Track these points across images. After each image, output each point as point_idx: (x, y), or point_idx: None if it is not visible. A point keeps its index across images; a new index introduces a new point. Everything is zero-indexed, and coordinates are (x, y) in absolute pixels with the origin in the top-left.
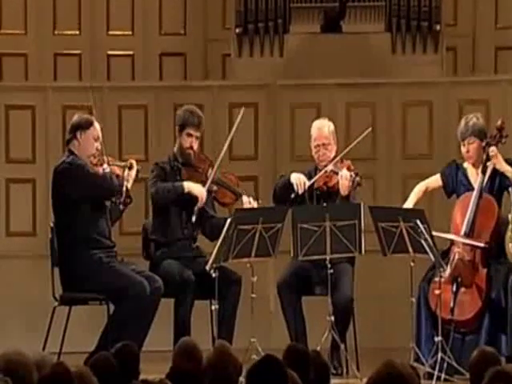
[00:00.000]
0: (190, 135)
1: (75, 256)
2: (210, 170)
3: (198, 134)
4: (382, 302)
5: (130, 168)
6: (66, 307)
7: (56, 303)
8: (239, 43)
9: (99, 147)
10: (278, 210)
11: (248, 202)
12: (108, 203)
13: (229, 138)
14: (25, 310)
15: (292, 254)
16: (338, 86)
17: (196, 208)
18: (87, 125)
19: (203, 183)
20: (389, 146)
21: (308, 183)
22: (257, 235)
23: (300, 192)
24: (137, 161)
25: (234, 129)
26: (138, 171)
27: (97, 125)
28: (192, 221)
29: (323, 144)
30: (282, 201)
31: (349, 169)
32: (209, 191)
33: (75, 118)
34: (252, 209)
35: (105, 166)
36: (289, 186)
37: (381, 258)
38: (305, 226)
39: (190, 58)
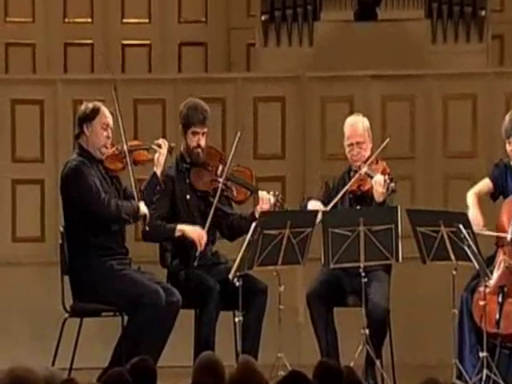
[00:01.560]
0: (195, 133)
1: (85, 263)
2: (220, 166)
3: (205, 130)
4: (422, 313)
5: (159, 147)
6: (77, 319)
7: (66, 315)
8: (265, 32)
9: (110, 135)
10: (307, 214)
11: (267, 198)
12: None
13: (229, 160)
14: (32, 322)
15: (322, 262)
16: (373, 78)
17: (197, 253)
18: (93, 114)
19: (214, 181)
20: (428, 143)
21: (324, 209)
22: (284, 241)
23: (356, 190)
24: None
25: (232, 152)
26: (171, 148)
27: (105, 111)
28: (194, 265)
29: (357, 143)
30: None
31: (383, 172)
32: (221, 189)
33: (81, 108)
34: (279, 212)
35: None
36: None
37: (420, 265)
38: (337, 230)
39: (211, 48)
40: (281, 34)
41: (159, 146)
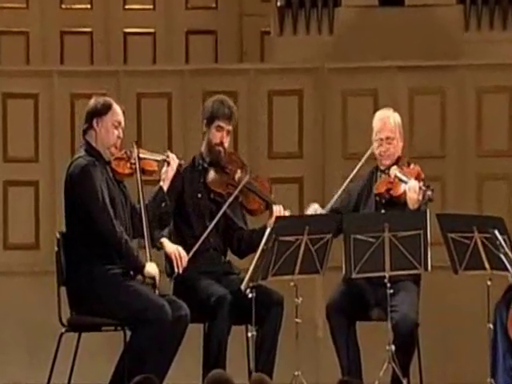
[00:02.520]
0: (220, 128)
1: (86, 271)
2: (239, 172)
3: (230, 128)
4: (453, 328)
5: (168, 163)
6: (76, 333)
7: (63, 329)
8: (281, 18)
9: (121, 135)
10: (327, 218)
11: (278, 211)
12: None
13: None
14: (27, 336)
15: (344, 271)
16: (399, 69)
17: (174, 273)
18: (105, 109)
19: (231, 185)
20: (460, 140)
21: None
22: (302, 248)
23: (384, 193)
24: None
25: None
26: (180, 166)
27: (117, 108)
28: (171, 281)
29: (387, 138)
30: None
31: (418, 177)
32: (236, 195)
33: (91, 102)
34: (296, 217)
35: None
36: None
37: (451, 275)
38: (359, 236)
39: (221, 37)
40: (298, 21)
41: (169, 160)
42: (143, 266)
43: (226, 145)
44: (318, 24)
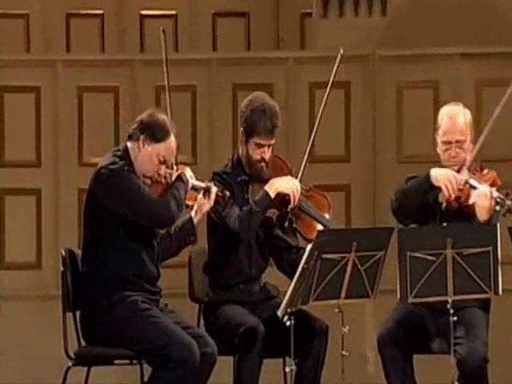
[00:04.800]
0: (260, 145)
1: (101, 295)
2: None
3: (272, 142)
4: None
5: (207, 192)
6: (84, 367)
7: (70, 362)
8: None
9: (162, 172)
10: (377, 232)
11: None
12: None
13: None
14: (28, 369)
15: (399, 295)
16: (464, 57)
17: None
18: (160, 135)
19: (280, 206)
20: None
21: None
22: (349, 268)
23: (453, 202)
24: (181, 164)
25: (300, 174)
26: (218, 196)
27: (172, 141)
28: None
29: (457, 141)
30: (414, 216)
31: (494, 184)
32: (288, 220)
33: (148, 115)
34: (342, 230)
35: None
36: (428, 190)
37: None
38: (417, 254)
39: (254, 20)
40: (345, 1)
41: (208, 190)
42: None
43: (268, 156)
44: (369, 4)
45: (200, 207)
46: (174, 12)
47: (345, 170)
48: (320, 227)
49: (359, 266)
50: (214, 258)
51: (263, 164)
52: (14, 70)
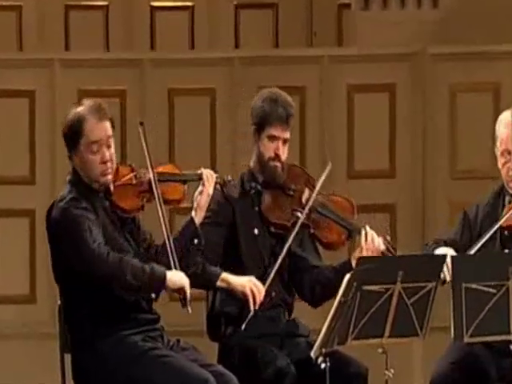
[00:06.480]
0: (273, 138)
1: (92, 341)
2: (306, 192)
3: (287, 136)
4: None
5: (202, 183)
6: None
7: None
8: None
9: (108, 156)
10: (428, 260)
11: (375, 243)
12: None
13: (318, 183)
14: None
15: (453, 334)
16: None
17: (249, 314)
18: (75, 133)
19: (296, 212)
20: None
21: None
22: (394, 301)
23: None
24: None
25: (321, 180)
26: (224, 182)
27: (90, 121)
28: (241, 330)
29: None
30: None
31: None
32: (302, 223)
33: (67, 117)
34: (386, 258)
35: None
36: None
37: None
38: (474, 286)
39: (283, 12)
40: None
41: (202, 178)
42: (163, 276)
43: (284, 157)
44: None
45: (199, 200)
46: (189, 3)
47: (389, 188)
48: (341, 230)
49: (406, 300)
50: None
51: (277, 164)
52: (4, 72)
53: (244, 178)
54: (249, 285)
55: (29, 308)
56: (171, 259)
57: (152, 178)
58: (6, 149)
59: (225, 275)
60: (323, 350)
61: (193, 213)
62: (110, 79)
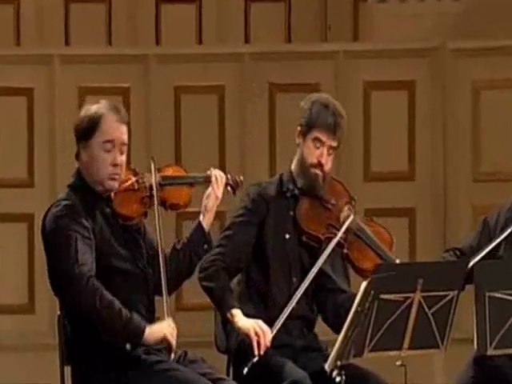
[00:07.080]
0: (319, 142)
1: (93, 354)
2: (345, 211)
3: (334, 144)
4: None
5: (211, 183)
6: None
7: None
8: None
9: (118, 161)
10: (449, 267)
11: None
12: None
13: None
14: None
15: (476, 345)
16: None
17: (254, 359)
18: (90, 127)
19: (332, 227)
20: None
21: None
22: (413, 311)
23: None
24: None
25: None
26: (236, 183)
27: (111, 119)
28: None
29: None
30: None
31: None
32: (340, 243)
33: (80, 115)
34: (405, 264)
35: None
36: None
37: None
38: (498, 295)
39: (296, 5)
40: None
41: (209, 180)
42: (140, 329)
43: (328, 167)
44: None
45: (207, 203)
46: None
47: (408, 191)
48: (377, 258)
49: (426, 309)
50: (245, 295)
51: (319, 172)
52: (0, 68)
53: (283, 178)
54: (253, 327)
55: (27, 318)
56: (162, 275)
57: (154, 180)
58: (2, 150)
59: (235, 311)
60: (338, 363)
61: (201, 217)
62: (112, 76)
